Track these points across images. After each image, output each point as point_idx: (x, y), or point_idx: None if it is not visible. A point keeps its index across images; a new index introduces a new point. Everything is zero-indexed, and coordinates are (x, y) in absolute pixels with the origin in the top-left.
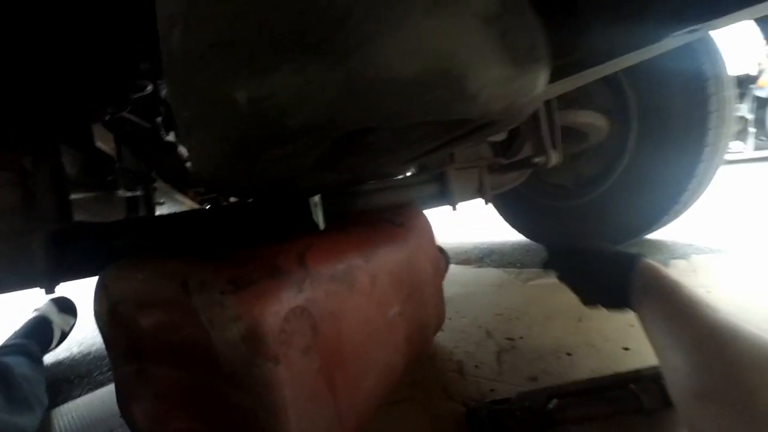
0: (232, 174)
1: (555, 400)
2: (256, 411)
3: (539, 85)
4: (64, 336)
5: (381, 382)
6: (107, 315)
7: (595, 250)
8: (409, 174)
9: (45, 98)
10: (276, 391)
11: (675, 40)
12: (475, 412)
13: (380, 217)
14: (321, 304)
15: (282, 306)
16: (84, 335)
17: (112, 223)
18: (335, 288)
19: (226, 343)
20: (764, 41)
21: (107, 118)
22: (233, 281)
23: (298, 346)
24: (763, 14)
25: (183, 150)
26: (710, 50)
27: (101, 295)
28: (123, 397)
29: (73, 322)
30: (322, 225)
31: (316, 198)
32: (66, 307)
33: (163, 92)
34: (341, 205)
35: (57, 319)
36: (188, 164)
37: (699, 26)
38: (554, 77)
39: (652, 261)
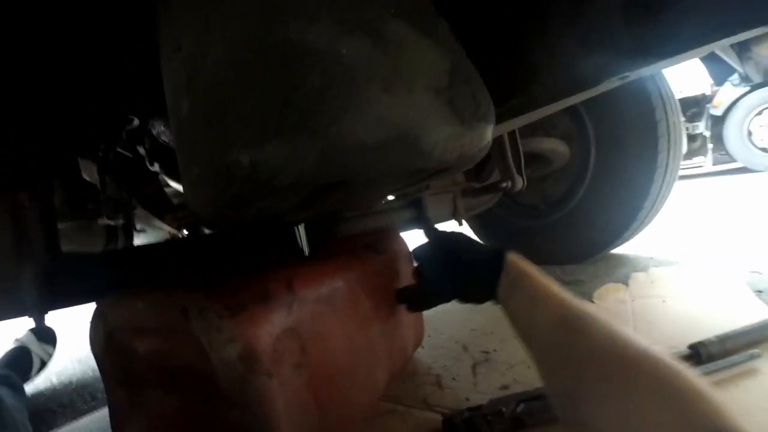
0: (226, 216)
1: (523, 405)
2: (251, 424)
3: (485, 137)
4: (43, 365)
5: (364, 396)
6: (104, 342)
7: (464, 243)
8: (387, 200)
9: (44, 137)
10: (270, 404)
11: (610, 84)
12: (451, 420)
13: (360, 241)
14: (308, 325)
15: (274, 327)
16: (64, 365)
17: (101, 254)
18: (321, 310)
19: (224, 363)
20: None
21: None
22: (229, 307)
23: (289, 363)
24: (690, 59)
25: (164, 178)
26: (657, 79)
27: (98, 323)
28: (118, 422)
29: (52, 352)
30: (307, 251)
31: (301, 227)
32: (45, 336)
33: (155, 129)
34: (324, 231)
35: (36, 349)
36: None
37: (629, 74)
38: (512, 114)
39: (517, 256)
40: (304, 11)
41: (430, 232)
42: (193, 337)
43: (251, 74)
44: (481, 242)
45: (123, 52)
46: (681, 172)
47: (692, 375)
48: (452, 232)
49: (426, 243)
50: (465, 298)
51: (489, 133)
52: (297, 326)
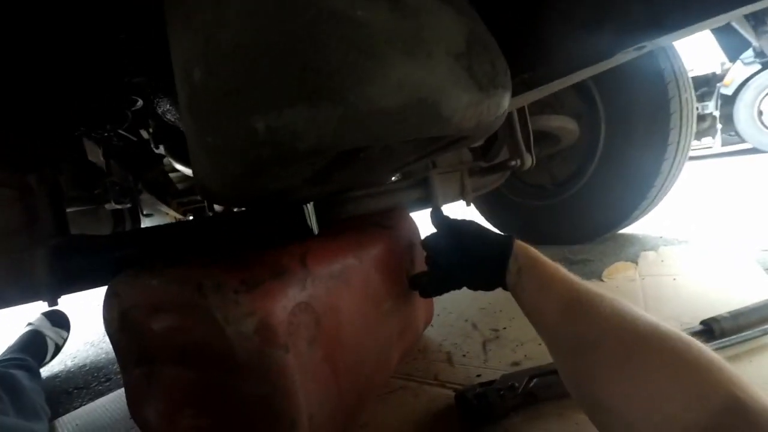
0: (238, 189)
1: (536, 380)
2: (269, 396)
3: (502, 105)
4: (58, 349)
5: (378, 371)
6: (118, 321)
7: (472, 231)
8: (394, 180)
9: (49, 118)
10: (287, 376)
11: (625, 56)
12: (464, 395)
13: (370, 220)
14: (322, 300)
15: (288, 301)
16: (77, 348)
17: (111, 236)
18: (334, 285)
19: (240, 336)
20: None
21: (105, 134)
22: (245, 282)
23: (304, 336)
24: (705, 29)
25: (168, 161)
26: (670, 55)
27: (112, 302)
28: (134, 400)
29: (66, 336)
30: (316, 230)
31: (310, 205)
32: (59, 320)
33: (161, 108)
34: (333, 211)
35: (50, 333)
36: (173, 174)
37: (645, 43)
38: (523, 89)
39: (524, 244)
40: None
41: (439, 220)
42: (209, 312)
43: (268, 40)
44: (490, 229)
45: (123, 26)
46: (690, 153)
47: (704, 347)
48: (462, 220)
49: (437, 231)
50: (474, 286)
51: (506, 101)
52: (311, 301)
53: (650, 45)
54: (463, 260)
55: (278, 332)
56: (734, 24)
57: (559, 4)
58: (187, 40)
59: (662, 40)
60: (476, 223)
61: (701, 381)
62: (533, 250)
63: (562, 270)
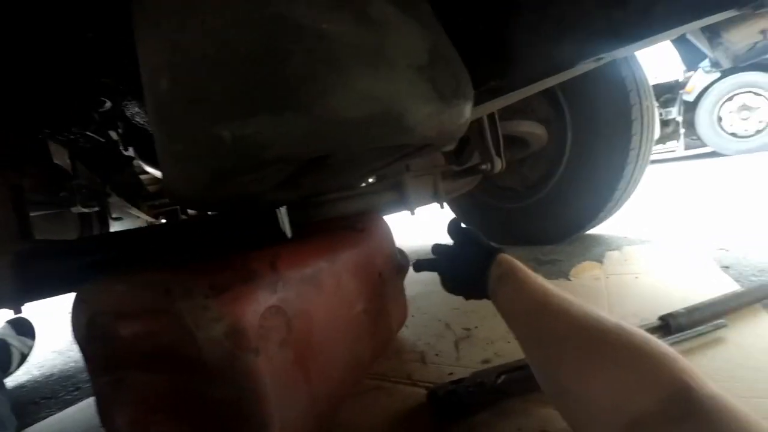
0: (207, 195)
1: (503, 376)
2: (239, 400)
3: (464, 114)
4: (23, 358)
5: (350, 373)
6: (86, 328)
7: (462, 242)
8: (369, 182)
9: (12, 120)
10: (257, 380)
11: (586, 66)
12: (435, 393)
13: (343, 223)
14: (293, 304)
15: (259, 305)
16: (44, 357)
17: (77, 241)
18: (305, 289)
19: (210, 341)
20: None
21: (71, 137)
22: (214, 286)
23: (274, 340)
24: (660, 41)
25: (138, 164)
26: (632, 64)
27: (80, 308)
28: (104, 408)
29: (32, 344)
30: (289, 233)
31: (283, 209)
32: (24, 329)
33: (129, 110)
34: (306, 214)
35: (15, 342)
36: (143, 177)
37: (603, 55)
38: (491, 96)
39: (509, 255)
40: None
41: (452, 227)
42: (178, 317)
43: (234, 50)
44: (485, 240)
45: (89, 26)
46: (654, 157)
47: (660, 342)
48: (468, 228)
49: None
50: (464, 294)
51: (468, 110)
52: (282, 304)
53: (608, 56)
54: (455, 261)
55: (249, 336)
56: (689, 36)
57: (525, 16)
58: (155, 47)
59: (620, 52)
60: (477, 233)
61: (654, 369)
62: (516, 261)
63: (539, 277)
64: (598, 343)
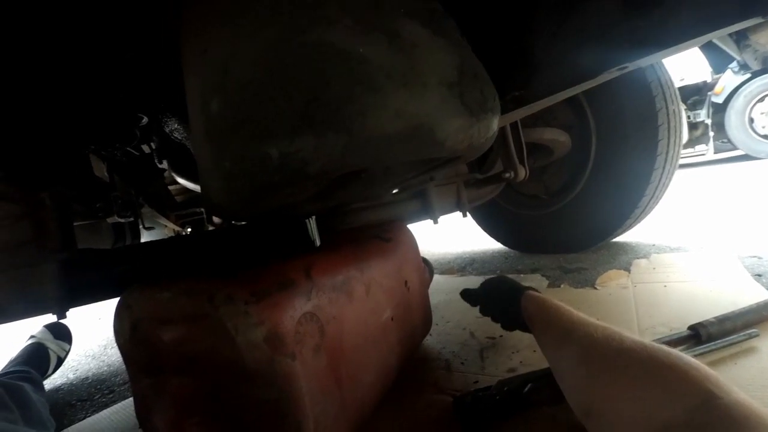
0: (248, 207)
1: (530, 385)
2: (276, 401)
3: (492, 128)
4: (60, 362)
5: (378, 379)
6: (129, 332)
7: (498, 283)
8: (394, 192)
9: (62, 137)
10: (294, 382)
11: (609, 75)
12: (461, 400)
13: (369, 233)
14: (326, 310)
15: (295, 311)
16: (78, 361)
17: (117, 250)
18: (337, 296)
19: (250, 345)
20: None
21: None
22: (254, 293)
23: (309, 345)
24: (686, 50)
25: (169, 175)
26: (657, 68)
27: (124, 314)
28: (143, 410)
29: (68, 348)
30: (318, 242)
31: (312, 219)
32: (61, 333)
33: (168, 127)
34: (334, 223)
35: (53, 346)
36: (171, 187)
37: (628, 64)
38: (514, 106)
39: (536, 292)
40: (324, 15)
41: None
42: (220, 322)
43: (281, 74)
44: (513, 281)
45: (131, 48)
46: (683, 161)
47: (683, 355)
48: (498, 277)
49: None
50: (504, 327)
51: (495, 124)
52: (316, 311)
53: (632, 65)
54: (492, 296)
55: (286, 341)
56: (716, 40)
57: (548, 26)
58: (204, 71)
59: (644, 61)
60: (508, 279)
61: (679, 381)
62: (538, 299)
63: (562, 306)
64: (623, 361)
